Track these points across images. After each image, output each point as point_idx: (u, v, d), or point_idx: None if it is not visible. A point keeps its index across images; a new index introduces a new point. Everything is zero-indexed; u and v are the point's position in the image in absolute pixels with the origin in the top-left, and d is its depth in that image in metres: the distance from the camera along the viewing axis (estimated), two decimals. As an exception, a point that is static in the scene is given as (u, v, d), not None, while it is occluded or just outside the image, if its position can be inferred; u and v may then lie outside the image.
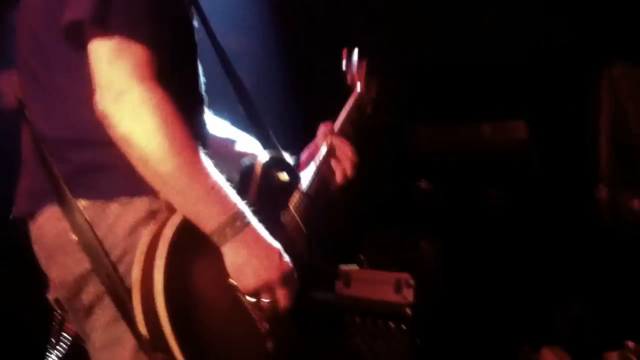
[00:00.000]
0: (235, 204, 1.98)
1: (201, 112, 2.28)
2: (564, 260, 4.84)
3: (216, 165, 2.47)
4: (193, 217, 1.95)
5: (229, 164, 2.32)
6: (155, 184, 1.95)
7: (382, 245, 5.06)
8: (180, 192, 1.94)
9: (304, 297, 2.26)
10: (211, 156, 2.47)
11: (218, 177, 1.97)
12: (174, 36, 2.05)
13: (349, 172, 2.53)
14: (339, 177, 2.53)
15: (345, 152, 2.54)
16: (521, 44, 5.24)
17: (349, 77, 2.81)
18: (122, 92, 1.89)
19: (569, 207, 5.15)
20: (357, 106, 2.74)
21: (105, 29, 1.91)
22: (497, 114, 5.35)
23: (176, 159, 1.91)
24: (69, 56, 2.01)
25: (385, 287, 4.74)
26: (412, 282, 4.64)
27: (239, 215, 1.97)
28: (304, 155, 2.60)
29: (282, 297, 2.04)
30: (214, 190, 1.96)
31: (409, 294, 4.65)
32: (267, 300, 2.02)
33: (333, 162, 2.53)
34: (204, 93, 2.31)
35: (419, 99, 5.49)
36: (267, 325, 2.05)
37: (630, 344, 4.14)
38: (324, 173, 2.49)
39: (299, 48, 5.46)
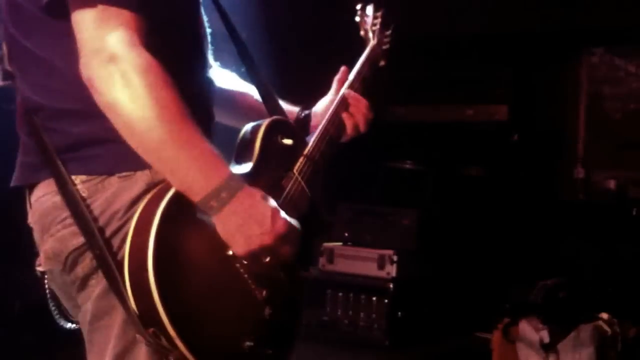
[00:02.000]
0: (224, 173, 1.94)
1: (202, 71, 2.23)
2: (542, 235, 4.94)
3: (237, 117, 2.43)
4: (181, 188, 1.92)
5: (251, 115, 2.34)
6: (142, 152, 1.91)
7: (365, 223, 5.12)
8: (166, 162, 1.91)
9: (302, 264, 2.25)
10: (231, 108, 2.44)
11: (207, 146, 1.93)
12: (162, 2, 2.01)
13: (362, 127, 2.48)
14: (349, 130, 2.46)
15: (360, 106, 2.49)
16: (504, 31, 5.35)
17: (362, 31, 2.77)
18: (111, 57, 1.86)
19: (548, 185, 5.26)
20: (370, 61, 2.67)
21: None
22: (480, 99, 5.46)
23: (163, 128, 1.87)
24: (51, 26, 1.98)
25: (368, 263, 4.83)
26: (395, 258, 4.73)
27: (226, 186, 1.93)
28: (316, 108, 2.55)
29: (283, 255, 2.00)
30: (201, 160, 1.91)
31: (391, 270, 4.75)
32: (267, 260, 1.98)
33: (345, 115, 2.46)
34: (207, 50, 2.27)
35: (404, 80, 5.56)
36: (264, 293, 2.04)
37: (604, 315, 4.26)
38: (334, 126, 2.42)
39: (285, 28, 5.51)
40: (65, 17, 1.93)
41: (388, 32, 2.79)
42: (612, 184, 5.04)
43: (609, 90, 5.40)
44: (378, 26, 2.76)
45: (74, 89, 1.95)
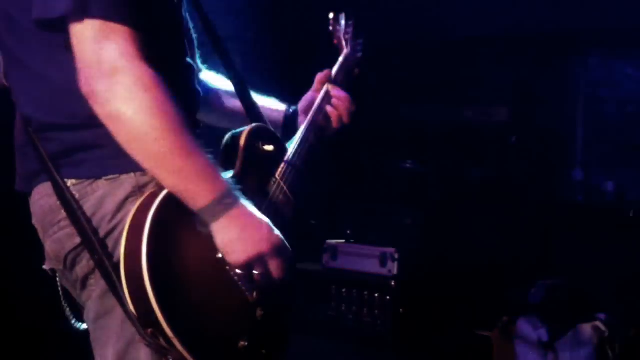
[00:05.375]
0: (224, 182, 1.99)
1: (191, 81, 2.27)
2: (541, 236, 5.01)
3: (222, 119, 2.53)
4: (182, 195, 1.95)
5: (236, 118, 2.43)
6: (145, 163, 1.94)
7: (367, 221, 5.20)
8: (171, 172, 1.94)
9: (293, 267, 2.29)
10: (217, 111, 2.52)
11: (207, 157, 1.96)
12: (155, 10, 2.04)
13: (345, 118, 2.56)
14: (334, 122, 2.55)
15: (342, 99, 2.57)
16: (504, 33, 5.41)
17: (335, 40, 2.84)
18: (112, 71, 1.88)
19: (546, 186, 5.33)
20: (344, 69, 2.73)
21: (86, 14, 1.89)
22: (479, 100, 5.53)
23: (168, 139, 1.90)
24: (42, 38, 1.99)
25: (370, 260, 4.91)
26: (396, 256, 4.81)
27: (228, 193, 1.97)
28: (301, 105, 2.62)
29: (275, 268, 2.06)
30: (204, 169, 1.95)
31: (393, 267, 4.83)
32: (258, 273, 2.04)
33: (329, 109, 2.56)
34: (195, 56, 2.31)
35: (406, 82, 5.62)
36: (255, 295, 2.08)
37: (602, 315, 4.33)
38: (318, 123, 2.51)
39: (289, 32, 5.56)
40: (56, 30, 1.95)
41: (360, 41, 2.85)
42: (610, 185, 5.10)
43: (607, 92, 5.46)
44: (350, 35, 2.83)
45: (62, 101, 2.00)
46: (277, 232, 2.06)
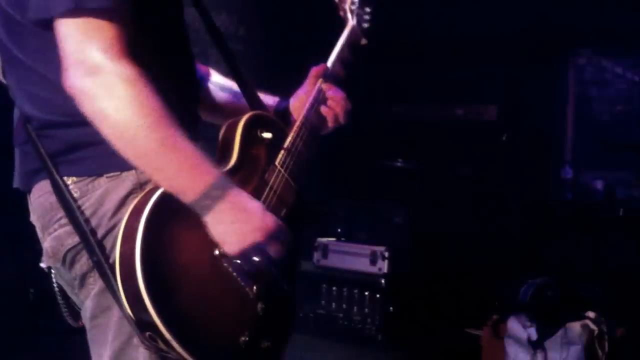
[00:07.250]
0: (213, 174, 1.96)
1: (191, 75, 2.26)
2: (531, 234, 5.02)
3: (220, 116, 2.42)
4: (173, 191, 1.94)
5: (235, 113, 2.33)
6: (131, 160, 1.93)
7: (358, 219, 5.22)
8: (157, 167, 1.93)
9: (296, 256, 2.25)
10: (217, 110, 2.45)
11: (194, 148, 1.95)
12: (147, 3, 2.02)
13: (341, 118, 2.44)
14: (330, 123, 2.43)
15: (337, 98, 2.44)
16: (494, 33, 5.43)
17: (341, 11, 2.67)
18: (94, 68, 1.87)
19: (536, 185, 5.34)
20: (349, 42, 2.59)
21: (70, 11, 1.89)
22: (469, 99, 5.55)
23: (152, 136, 1.89)
24: (41, 37, 1.99)
25: (361, 258, 4.93)
26: (387, 254, 4.83)
27: (217, 185, 1.95)
28: (293, 101, 2.52)
29: (274, 252, 2.04)
30: (191, 163, 1.94)
31: (383, 266, 4.85)
32: (258, 259, 2.03)
33: (323, 109, 2.43)
34: (192, 50, 2.27)
35: (397, 81, 5.64)
36: (255, 289, 2.06)
37: (591, 314, 4.35)
38: (312, 121, 2.39)
39: (280, 31, 5.57)
40: (52, 28, 1.93)
41: (368, 10, 2.68)
42: (599, 184, 5.13)
43: (597, 92, 5.49)
44: (357, 4, 2.67)
45: (62, 99, 1.97)
46: (270, 216, 2.03)
